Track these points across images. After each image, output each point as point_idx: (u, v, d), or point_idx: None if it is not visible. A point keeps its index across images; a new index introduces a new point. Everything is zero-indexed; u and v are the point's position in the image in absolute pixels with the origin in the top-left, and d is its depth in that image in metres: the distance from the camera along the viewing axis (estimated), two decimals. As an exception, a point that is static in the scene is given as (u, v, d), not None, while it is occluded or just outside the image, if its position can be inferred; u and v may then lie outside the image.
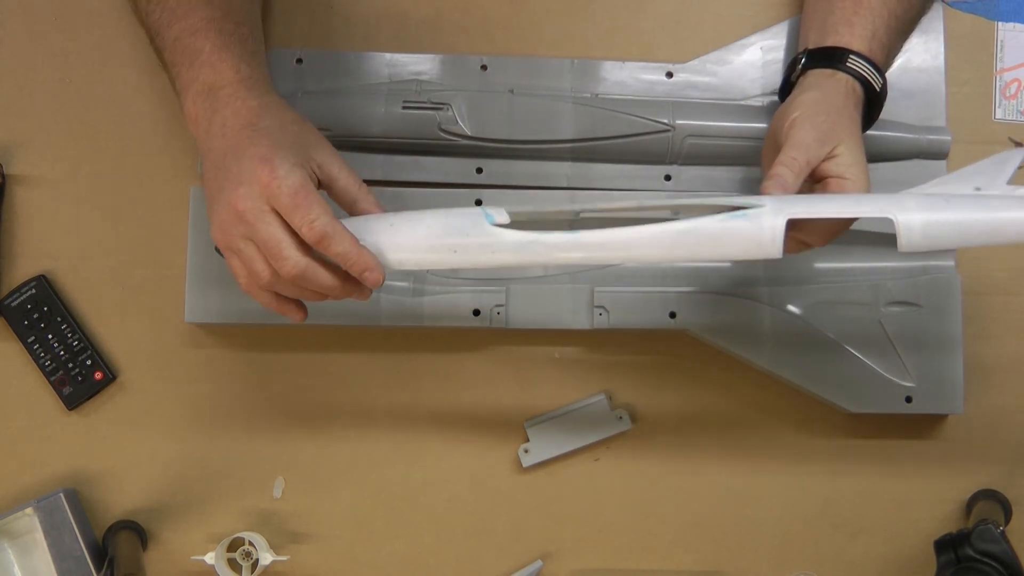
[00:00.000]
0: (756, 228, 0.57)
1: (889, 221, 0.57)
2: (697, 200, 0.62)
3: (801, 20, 0.76)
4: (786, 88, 0.73)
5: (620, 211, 0.65)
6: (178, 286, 0.75)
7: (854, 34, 0.69)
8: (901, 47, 0.74)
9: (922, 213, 0.57)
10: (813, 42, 0.71)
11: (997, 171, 0.62)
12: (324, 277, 0.58)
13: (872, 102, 0.69)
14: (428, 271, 0.75)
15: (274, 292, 0.60)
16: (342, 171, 0.62)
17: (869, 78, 0.68)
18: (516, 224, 0.59)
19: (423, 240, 0.59)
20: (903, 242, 0.57)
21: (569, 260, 0.59)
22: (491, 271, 0.75)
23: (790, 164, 0.63)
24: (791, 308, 0.76)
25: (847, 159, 0.64)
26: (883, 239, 0.76)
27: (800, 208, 0.58)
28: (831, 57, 0.69)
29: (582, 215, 0.66)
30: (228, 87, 0.62)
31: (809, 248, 0.65)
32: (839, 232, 0.65)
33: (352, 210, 0.62)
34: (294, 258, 0.57)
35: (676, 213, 0.64)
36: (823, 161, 0.64)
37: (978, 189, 0.61)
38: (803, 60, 0.71)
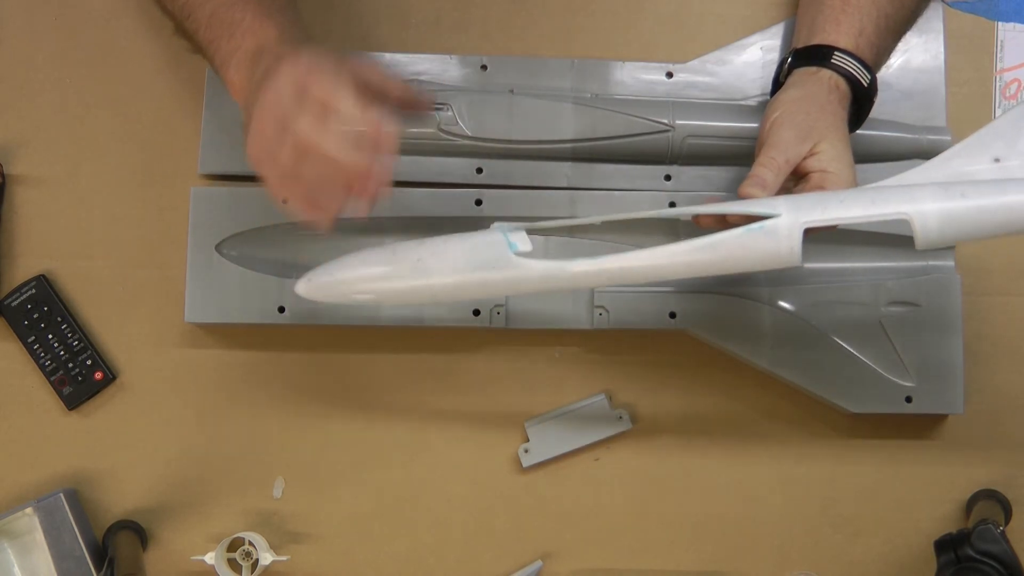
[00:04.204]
0: (774, 240, 0.57)
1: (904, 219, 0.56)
2: (713, 208, 0.62)
3: (795, 22, 0.76)
4: (776, 89, 0.73)
5: (640, 216, 0.67)
6: (178, 286, 0.75)
7: (840, 32, 0.69)
8: (894, 46, 0.74)
9: (938, 205, 0.56)
10: (801, 42, 0.71)
11: (1015, 133, 0.60)
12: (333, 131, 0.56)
13: (861, 100, 0.69)
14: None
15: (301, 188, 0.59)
16: (378, 75, 0.63)
17: (855, 74, 0.68)
18: (536, 241, 0.61)
19: (450, 277, 0.60)
20: (920, 241, 0.57)
21: (593, 285, 0.60)
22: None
23: (768, 164, 0.64)
24: (791, 308, 0.76)
25: (829, 154, 0.64)
26: (883, 239, 0.76)
27: (815, 215, 0.57)
28: (815, 55, 0.69)
29: (601, 223, 0.68)
30: (275, 47, 0.62)
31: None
32: None
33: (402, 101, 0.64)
34: (305, 121, 0.56)
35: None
36: (805, 158, 0.65)
37: (997, 160, 0.60)
38: (789, 60, 0.71)
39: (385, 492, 0.77)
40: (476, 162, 0.76)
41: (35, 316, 0.75)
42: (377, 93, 0.62)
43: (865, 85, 0.68)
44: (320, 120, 0.56)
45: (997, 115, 0.81)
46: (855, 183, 0.65)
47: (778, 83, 0.72)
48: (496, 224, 0.63)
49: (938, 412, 0.77)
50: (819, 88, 0.67)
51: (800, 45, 0.71)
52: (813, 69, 0.68)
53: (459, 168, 0.76)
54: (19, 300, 0.76)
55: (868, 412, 0.76)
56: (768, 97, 0.77)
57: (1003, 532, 0.66)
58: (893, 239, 0.76)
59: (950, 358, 0.75)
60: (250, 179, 0.62)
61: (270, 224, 0.75)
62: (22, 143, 0.77)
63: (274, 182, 0.59)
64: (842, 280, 0.77)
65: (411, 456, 0.77)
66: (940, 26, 0.80)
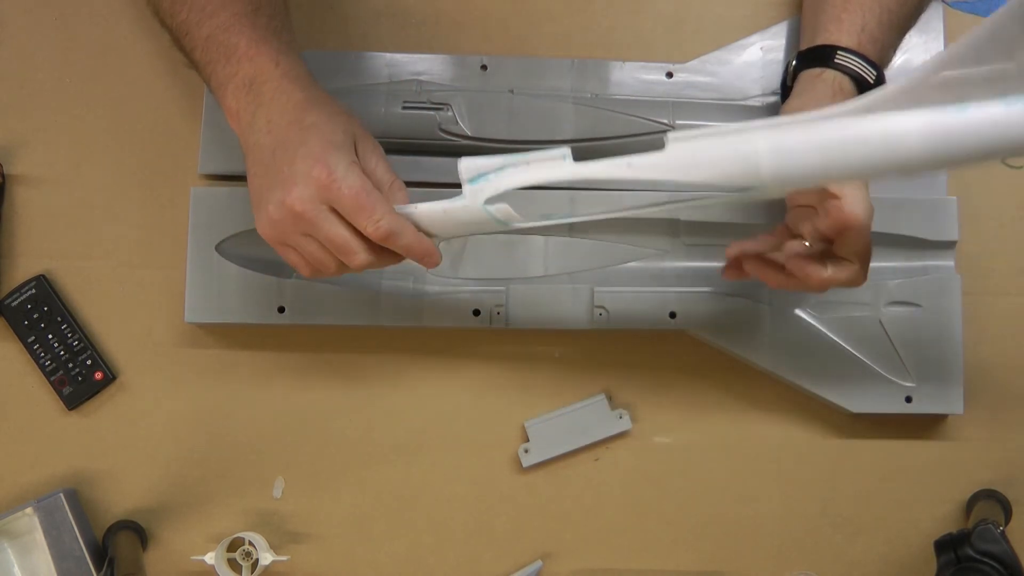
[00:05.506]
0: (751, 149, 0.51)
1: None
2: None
3: (800, 23, 0.76)
4: (784, 93, 0.73)
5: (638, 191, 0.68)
6: (178, 286, 0.75)
7: (842, 30, 0.69)
8: (899, 42, 0.73)
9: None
10: (805, 43, 0.71)
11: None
12: (391, 260, 0.61)
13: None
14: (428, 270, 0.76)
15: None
16: (379, 165, 0.62)
17: (860, 71, 0.68)
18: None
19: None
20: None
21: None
22: (490, 268, 0.76)
23: None
24: (791, 308, 0.76)
25: None
26: (882, 239, 0.76)
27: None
28: (819, 56, 0.69)
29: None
30: (271, 81, 0.61)
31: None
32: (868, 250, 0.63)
33: None
34: (363, 254, 0.59)
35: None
36: None
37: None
38: (794, 63, 0.71)
39: (385, 492, 0.77)
40: (476, 162, 0.77)
41: (35, 316, 0.75)
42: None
43: (871, 81, 0.68)
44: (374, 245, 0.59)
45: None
46: (867, 196, 0.62)
47: (785, 86, 0.72)
48: (463, 159, 0.56)
49: (938, 412, 0.77)
50: (824, 92, 0.67)
51: (804, 47, 0.71)
52: (817, 71, 0.68)
53: (459, 168, 0.76)
54: (19, 300, 0.76)
55: (868, 412, 0.76)
56: (768, 97, 0.78)
57: (1003, 532, 0.66)
58: (893, 239, 0.76)
59: (950, 358, 0.75)
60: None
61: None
62: (22, 143, 0.77)
63: (294, 261, 0.62)
64: (842, 280, 0.76)
65: (411, 456, 0.77)
66: (940, 26, 0.80)
